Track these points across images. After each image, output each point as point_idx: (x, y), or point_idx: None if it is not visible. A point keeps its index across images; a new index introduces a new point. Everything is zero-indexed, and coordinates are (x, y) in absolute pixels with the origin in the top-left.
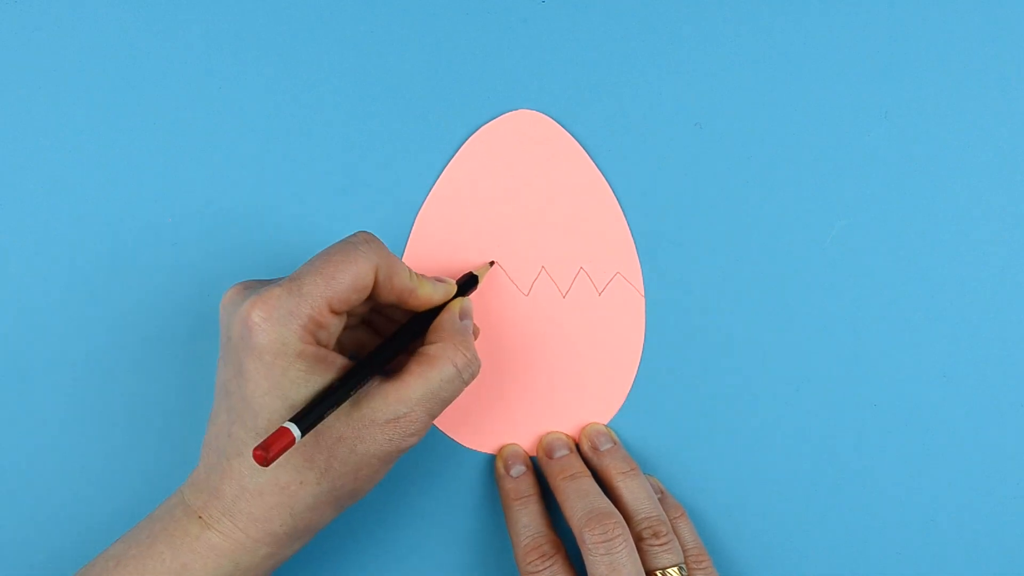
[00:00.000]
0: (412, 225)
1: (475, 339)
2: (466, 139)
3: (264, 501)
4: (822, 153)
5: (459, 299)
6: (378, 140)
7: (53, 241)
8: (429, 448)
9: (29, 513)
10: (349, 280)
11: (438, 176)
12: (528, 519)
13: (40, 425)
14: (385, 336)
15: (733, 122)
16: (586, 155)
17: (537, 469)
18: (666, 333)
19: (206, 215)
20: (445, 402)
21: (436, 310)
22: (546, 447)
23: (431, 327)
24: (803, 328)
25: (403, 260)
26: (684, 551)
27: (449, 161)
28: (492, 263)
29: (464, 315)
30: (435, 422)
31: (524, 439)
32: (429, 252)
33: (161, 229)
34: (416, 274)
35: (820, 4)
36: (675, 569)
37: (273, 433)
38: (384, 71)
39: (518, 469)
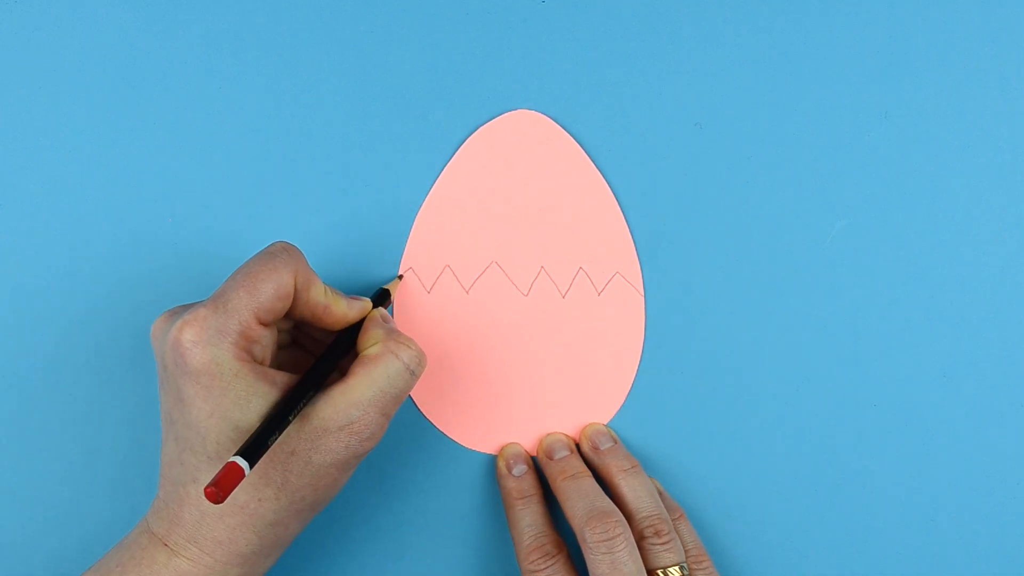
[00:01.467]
0: (412, 225)
1: None
2: (465, 139)
3: (226, 523)
4: (822, 153)
5: (376, 309)
6: (378, 140)
7: (53, 241)
8: (429, 448)
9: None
10: (272, 289)
11: (437, 176)
12: (530, 519)
13: (41, 424)
14: (316, 354)
15: (733, 122)
16: (585, 155)
17: (538, 469)
18: (666, 333)
19: (206, 215)
20: (396, 399)
21: (358, 326)
22: (546, 448)
23: (360, 336)
24: (803, 328)
25: (403, 260)
26: (684, 551)
27: (448, 161)
28: (401, 276)
29: (386, 319)
30: (435, 422)
31: (524, 439)
32: (428, 252)
33: (161, 229)
34: (331, 291)
35: (820, 4)
36: (676, 568)
37: (222, 469)
38: (383, 71)
39: (520, 468)
